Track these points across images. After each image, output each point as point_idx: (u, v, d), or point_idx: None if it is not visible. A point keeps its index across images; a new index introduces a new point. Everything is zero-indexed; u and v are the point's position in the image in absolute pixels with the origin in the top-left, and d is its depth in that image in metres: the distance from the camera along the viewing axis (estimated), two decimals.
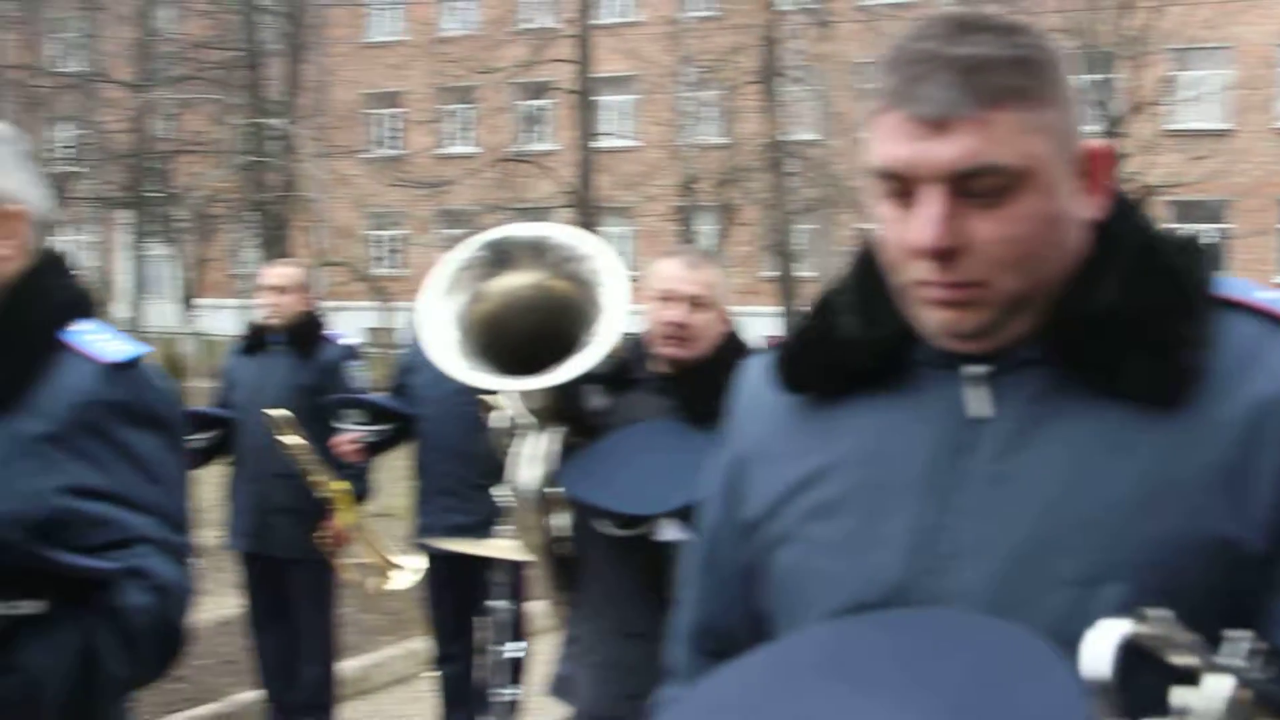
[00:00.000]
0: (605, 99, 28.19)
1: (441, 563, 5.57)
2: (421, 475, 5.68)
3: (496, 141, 27.10)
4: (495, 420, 3.57)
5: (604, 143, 26.34)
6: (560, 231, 3.42)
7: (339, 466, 5.58)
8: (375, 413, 5.51)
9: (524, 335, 3.36)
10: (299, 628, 5.86)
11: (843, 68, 25.19)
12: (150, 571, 1.99)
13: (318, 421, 5.55)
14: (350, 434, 5.43)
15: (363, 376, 5.82)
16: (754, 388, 1.60)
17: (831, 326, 1.50)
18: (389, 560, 5.81)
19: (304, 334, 5.74)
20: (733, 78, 24.72)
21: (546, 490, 3.38)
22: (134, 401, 2.08)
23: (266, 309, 5.74)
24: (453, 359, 3.29)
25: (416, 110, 32.64)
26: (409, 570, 5.83)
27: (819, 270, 26.24)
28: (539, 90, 28.28)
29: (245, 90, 22.31)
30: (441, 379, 5.39)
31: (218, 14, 24.69)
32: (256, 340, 5.78)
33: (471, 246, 3.40)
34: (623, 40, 27.26)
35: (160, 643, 2.02)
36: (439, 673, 5.87)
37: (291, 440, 5.49)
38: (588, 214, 22.20)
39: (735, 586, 1.59)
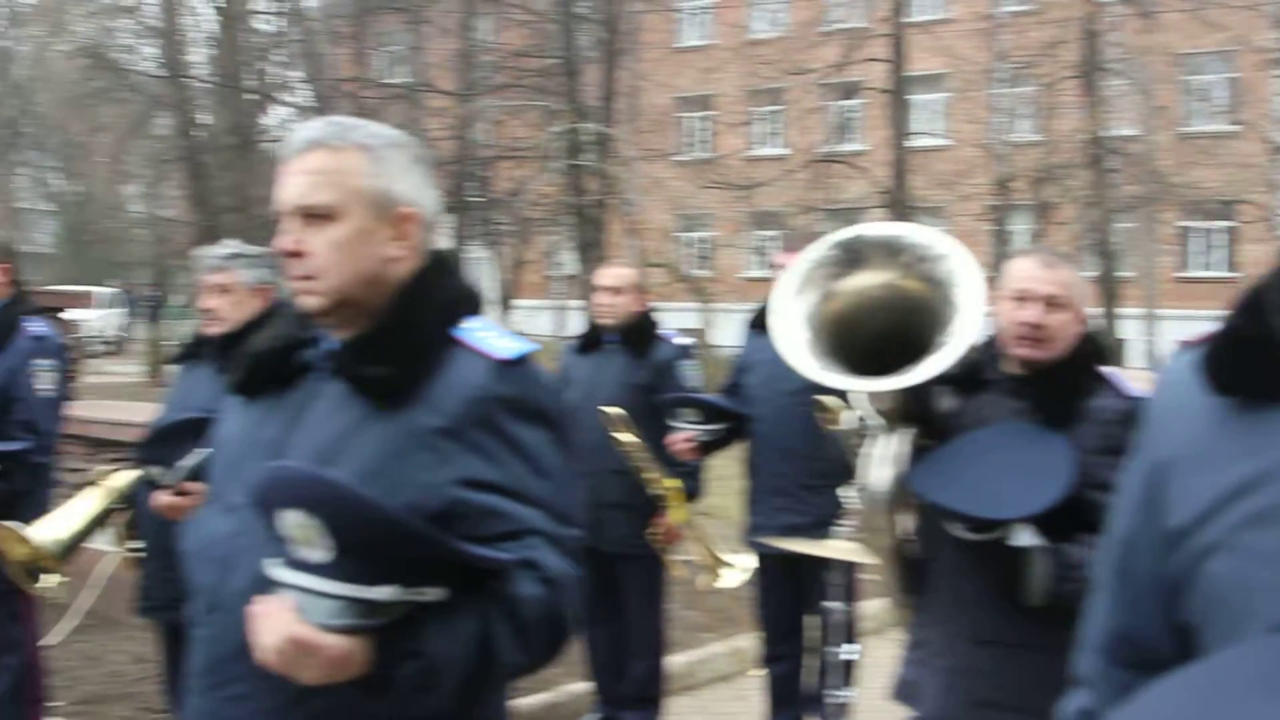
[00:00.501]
0: (917, 97, 27.83)
1: (772, 562, 5.58)
2: (753, 475, 5.70)
3: (806, 143, 27.06)
4: (845, 421, 3.55)
5: (916, 142, 26.02)
6: (914, 231, 3.37)
7: (671, 464, 5.66)
8: (708, 411, 5.55)
9: (875, 335, 3.33)
10: (629, 622, 5.96)
11: (1166, 60, 24.28)
12: (541, 563, 2.05)
13: (651, 419, 5.63)
14: (684, 432, 5.49)
15: (696, 375, 5.88)
16: (1176, 390, 1.52)
17: (1267, 326, 1.42)
18: (719, 558, 5.85)
19: (638, 333, 5.83)
20: (1050, 73, 24.09)
21: (896, 492, 3.35)
22: (524, 397, 2.15)
23: (601, 309, 5.85)
24: (804, 358, 3.29)
25: (727, 113, 32.87)
26: (739, 569, 5.85)
27: (1139, 269, 25.34)
28: (849, 90, 28.14)
29: (563, 97, 22.84)
30: (775, 378, 5.44)
31: (536, 24, 25.35)
32: (592, 339, 5.90)
33: (823, 245, 3.38)
34: (936, 38, 26.86)
35: (549, 633, 2.07)
36: (766, 672, 5.88)
37: (625, 437, 5.60)
38: (901, 214, 21.94)
39: (1156, 597, 1.52)
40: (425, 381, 2.15)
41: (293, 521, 1.89)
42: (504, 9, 26.35)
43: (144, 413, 9.23)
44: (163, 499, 4.07)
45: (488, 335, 2.22)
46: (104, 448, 8.18)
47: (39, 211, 47.87)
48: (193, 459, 4.05)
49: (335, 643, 1.87)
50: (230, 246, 4.63)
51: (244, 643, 2.08)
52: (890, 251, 3.34)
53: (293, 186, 2.23)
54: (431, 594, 1.92)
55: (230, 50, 31.25)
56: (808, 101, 28.35)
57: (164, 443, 4.18)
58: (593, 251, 22.10)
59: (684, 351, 5.92)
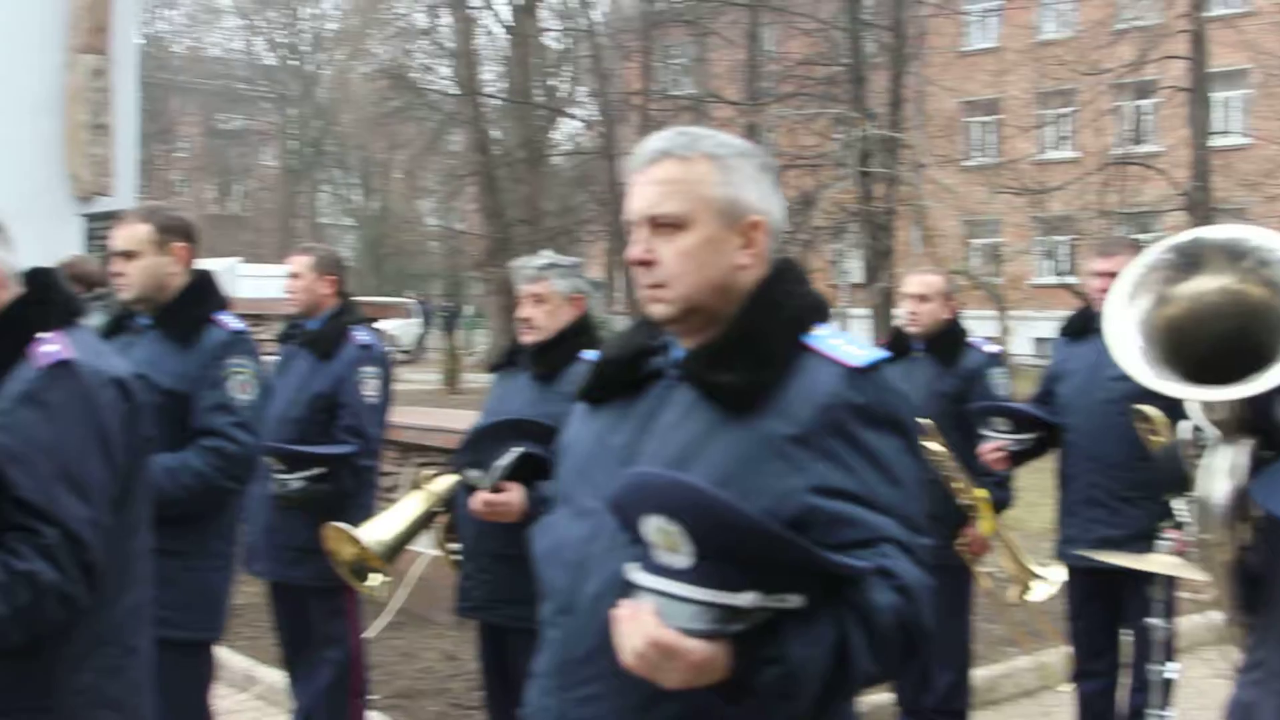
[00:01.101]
0: (1218, 95, 26.72)
1: (1084, 576, 5.42)
2: (1066, 486, 5.55)
3: (1100, 145, 26.25)
4: (1180, 431, 3.43)
5: (1217, 141, 24.97)
6: (1258, 234, 3.23)
7: (980, 474, 5.56)
8: (1019, 420, 5.44)
9: (1211, 342, 3.21)
10: (934, 633, 5.87)
11: None
12: (895, 571, 2.05)
13: (959, 429, 5.55)
14: (994, 441, 5.40)
15: (1005, 384, 5.76)
16: None
17: None
18: (1030, 570, 5.72)
19: (946, 341, 5.75)
20: None
21: (1234, 505, 3.21)
22: (876, 404, 2.14)
23: (907, 317, 5.79)
24: (1140, 366, 3.18)
25: (1015, 116, 32.16)
26: (1049, 582, 5.72)
27: None
28: (1144, 90, 27.20)
29: (849, 104, 22.71)
30: (1090, 387, 5.30)
31: (822, 31, 25.28)
32: (899, 347, 5.84)
33: (1159, 249, 3.27)
34: (1238, 32, 25.72)
35: (903, 642, 2.06)
36: (1075, 688, 5.72)
37: (933, 447, 5.52)
38: (1203, 217, 21.08)
39: None
40: (776, 388, 2.17)
41: (654, 526, 1.92)
42: (790, 18, 26.32)
43: (448, 419, 9.56)
44: (479, 500, 4.19)
45: (839, 342, 2.23)
46: (412, 452, 8.49)
47: (340, 226, 50.01)
48: (508, 458, 4.18)
49: (697, 647, 1.89)
50: (545, 257, 4.74)
51: (596, 645, 2.13)
52: (1231, 255, 3.20)
53: (642, 197, 2.28)
54: (792, 601, 1.93)
55: (521, 67, 32.09)
56: (1101, 102, 27.48)
57: (480, 446, 4.31)
58: (883, 260, 21.88)
59: (994, 359, 5.81)
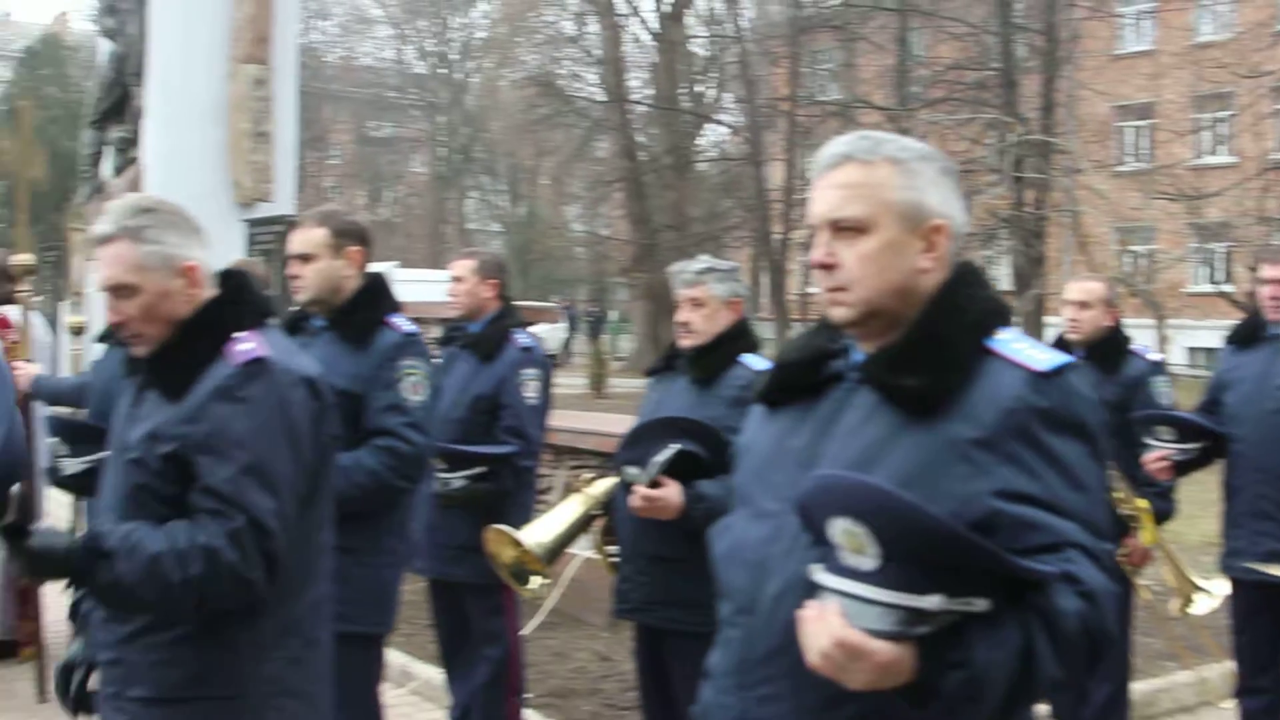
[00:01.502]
0: None
1: (1251, 589, 5.31)
2: (1232, 497, 5.43)
3: (1259, 149, 25.59)
4: None
5: None
6: None
7: (1142, 484, 5.47)
8: (1184, 429, 5.34)
9: None
10: None
11: None
12: (1080, 577, 2.03)
13: (1120, 437, 5.46)
14: (1158, 451, 5.31)
15: (1168, 392, 5.66)
16: None
17: None
18: (1192, 583, 5.61)
19: (1107, 349, 5.66)
20: None
21: None
22: (1062, 409, 2.14)
23: (1069, 324, 5.71)
24: None
25: (1170, 120, 31.49)
26: (1211, 595, 5.60)
27: None
28: None
29: (1000, 109, 22.42)
30: (1259, 396, 5.20)
31: (972, 35, 25.00)
32: None
33: None
34: None
35: (1087, 648, 2.04)
36: (1238, 704, 5.61)
37: None
38: None
39: None
40: (959, 392, 2.17)
41: (841, 528, 1.93)
42: (939, 22, 26.05)
43: (601, 422, 9.64)
44: (637, 497, 4.23)
45: (1023, 346, 2.22)
46: (565, 455, 8.59)
47: (488, 232, 50.61)
48: (665, 454, 4.21)
49: (883, 649, 1.91)
50: (703, 261, 4.76)
51: (777, 645, 2.15)
52: None
53: (824, 200, 2.30)
54: (978, 604, 1.93)
55: (668, 74, 32.24)
56: (1261, 106, 26.80)
57: (637, 445, 4.36)
58: (1035, 267, 21.56)
59: (1156, 367, 5.71)
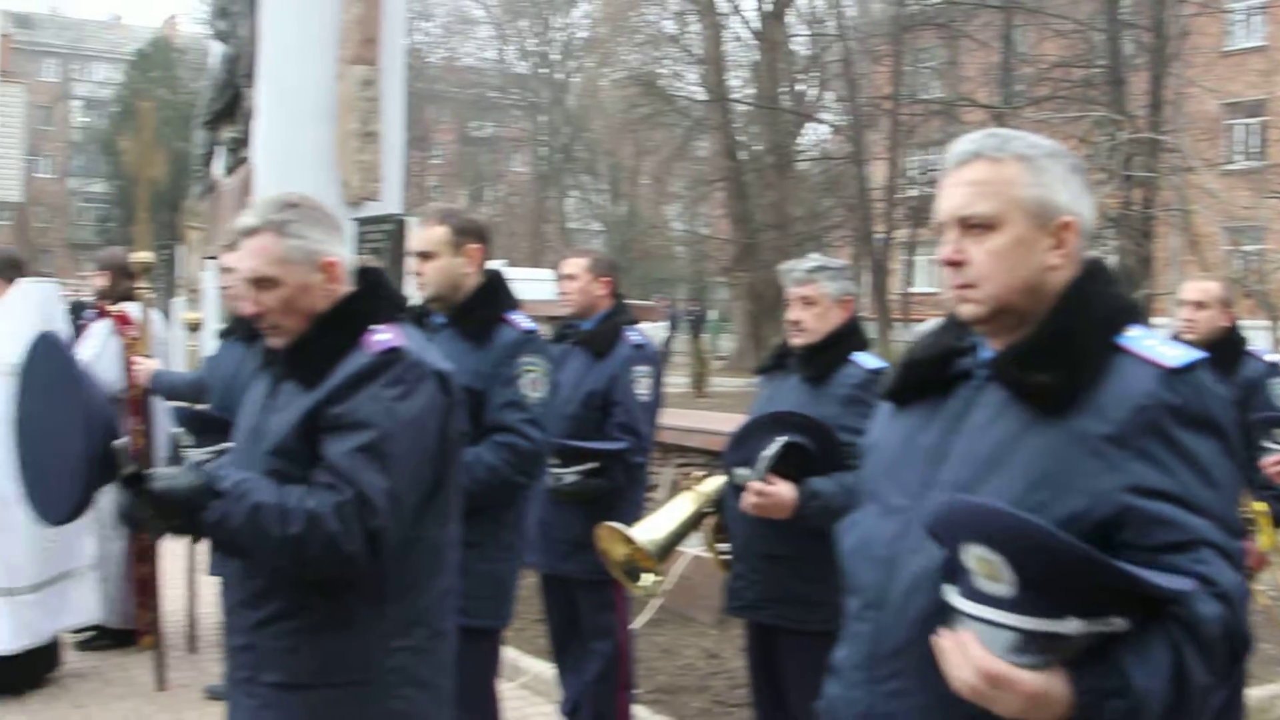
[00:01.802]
0: None
1: None
2: None
3: None
4: None
5: None
6: None
7: (1259, 487, 5.39)
8: None
9: None
10: None
11: None
12: (1215, 579, 2.02)
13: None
14: (1276, 454, 5.23)
15: None
16: None
17: None
18: None
19: (1224, 350, 5.58)
20: None
21: None
22: (1194, 405, 2.13)
23: (1183, 324, 5.64)
24: None
25: None
26: None
27: None
28: None
29: (1107, 106, 22.12)
30: None
31: (1079, 32, 24.69)
32: None
33: None
34: None
35: (1229, 652, 2.03)
36: None
37: None
38: None
39: None
40: (1089, 389, 2.17)
41: (975, 555, 1.94)
42: (1045, 19, 25.75)
43: (708, 420, 9.67)
44: (750, 495, 4.24)
45: (1154, 343, 2.22)
46: (672, 452, 8.63)
47: (588, 231, 50.81)
48: (773, 448, 4.22)
49: (1030, 679, 1.92)
50: (814, 260, 4.76)
51: (906, 640, 2.17)
52: None
53: (952, 197, 2.30)
54: (1118, 624, 1.93)
55: (769, 73, 32.15)
56: None
57: (746, 443, 4.36)
58: (1144, 266, 21.24)
59: (1273, 369, 5.62)
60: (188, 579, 7.33)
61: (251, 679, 3.01)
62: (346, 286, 3.11)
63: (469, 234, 4.57)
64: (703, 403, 21.13)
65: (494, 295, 4.62)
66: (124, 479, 2.82)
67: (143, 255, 7.02)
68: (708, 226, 41.06)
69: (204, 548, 7.26)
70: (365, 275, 3.17)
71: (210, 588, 7.60)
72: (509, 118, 51.91)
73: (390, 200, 12.27)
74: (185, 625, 7.41)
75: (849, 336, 4.63)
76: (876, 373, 4.47)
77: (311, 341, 3.03)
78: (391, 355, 2.96)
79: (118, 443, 2.95)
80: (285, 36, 12.21)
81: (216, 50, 13.99)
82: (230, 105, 13.34)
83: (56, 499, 3.26)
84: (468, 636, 3.77)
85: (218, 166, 13.86)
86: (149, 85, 45.41)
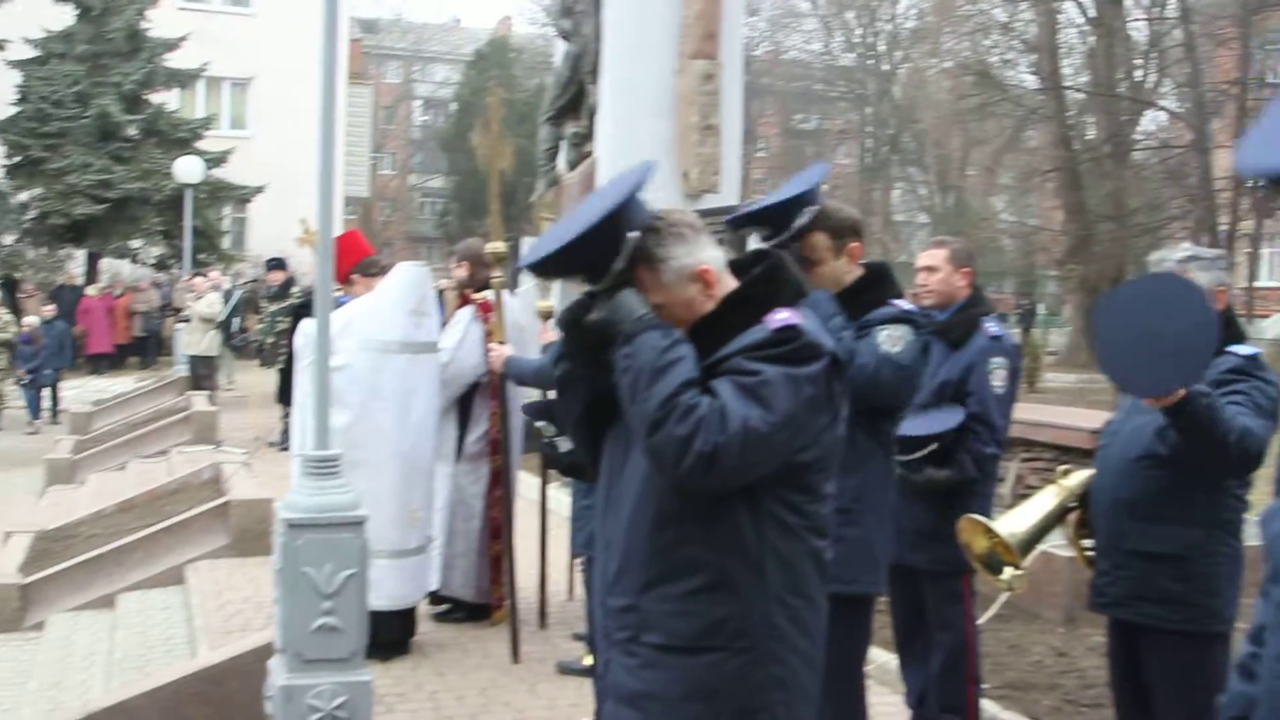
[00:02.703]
0: None
1: None
2: None
3: None
4: None
5: None
6: None
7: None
8: None
9: None
10: None
11: None
12: None
13: None
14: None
15: None
16: None
17: None
18: None
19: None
20: None
21: None
22: None
23: None
24: None
25: None
26: None
27: None
28: None
29: None
30: None
31: None
32: None
33: None
34: None
35: None
36: None
37: None
38: None
39: None
40: None
41: None
42: None
43: (1053, 414, 9.47)
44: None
45: None
46: (1016, 446, 8.50)
47: (915, 224, 50.23)
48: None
49: None
50: (1185, 249, 4.63)
51: None
52: None
53: None
54: None
55: (1105, 59, 31.14)
56: None
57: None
58: None
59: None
60: (539, 558, 7.62)
61: (633, 639, 3.11)
62: (729, 283, 3.19)
63: (847, 233, 4.75)
64: (1035, 397, 20.67)
65: (878, 285, 4.79)
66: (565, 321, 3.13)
67: (496, 245, 7.31)
68: (1036, 218, 40.08)
69: (556, 531, 7.52)
70: (762, 259, 3.26)
71: (558, 569, 7.92)
72: (834, 110, 51.75)
73: (728, 193, 12.44)
74: (537, 602, 7.70)
75: (1223, 328, 4.49)
76: (1252, 359, 4.40)
77: (714, 320, 3.12)
78: (789, 333, 3.02)
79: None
80: (627, 33, 12.51)
81: (560, 48, 14.42)
82: (574, 101, 13.76)
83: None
84: (841, 604, 3.80)
85: (561, 161, 14.29)
86: (486, 85, 47.04)
